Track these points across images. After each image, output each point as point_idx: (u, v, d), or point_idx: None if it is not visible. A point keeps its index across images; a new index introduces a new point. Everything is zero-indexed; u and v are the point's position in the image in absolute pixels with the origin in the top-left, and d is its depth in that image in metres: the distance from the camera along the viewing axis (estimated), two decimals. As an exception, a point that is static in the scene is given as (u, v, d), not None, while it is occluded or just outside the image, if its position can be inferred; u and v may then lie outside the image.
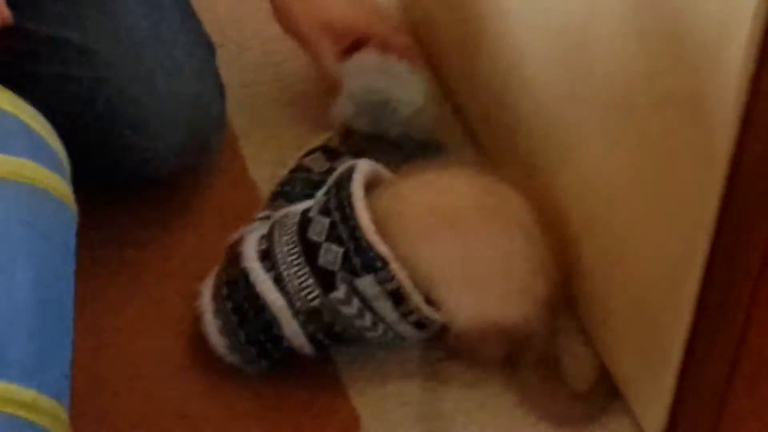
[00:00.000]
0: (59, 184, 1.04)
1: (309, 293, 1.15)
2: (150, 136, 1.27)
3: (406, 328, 1.17)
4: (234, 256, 1.20)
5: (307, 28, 1.34)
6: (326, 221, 1.16)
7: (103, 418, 1.18)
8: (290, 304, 1.16)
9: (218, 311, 1.19)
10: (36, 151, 1.03)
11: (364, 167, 1.19)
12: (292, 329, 1.16)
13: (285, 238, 1.18)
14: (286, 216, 1.20)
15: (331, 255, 1.15)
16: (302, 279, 1.15)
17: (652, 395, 1.15)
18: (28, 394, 0.92)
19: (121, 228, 1.34)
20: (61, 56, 1.25)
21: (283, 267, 1.16)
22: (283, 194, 1.28)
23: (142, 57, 1.26)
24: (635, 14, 1.02)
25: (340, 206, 1.16)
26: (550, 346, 1.19)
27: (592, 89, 1.12)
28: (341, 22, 1.34)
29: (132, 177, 1.31)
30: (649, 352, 1.14)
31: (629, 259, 1.14)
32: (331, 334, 1.17)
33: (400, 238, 1.15)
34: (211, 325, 1.19)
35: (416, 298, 1.14)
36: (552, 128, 1.22)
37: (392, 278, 1.13)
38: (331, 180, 1.20)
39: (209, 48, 1.36)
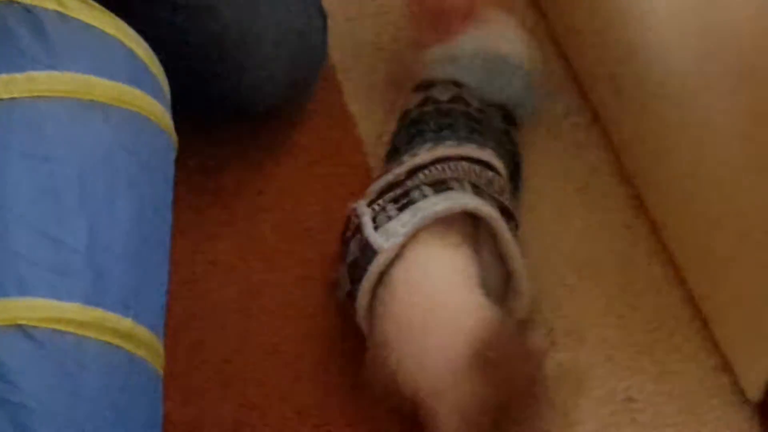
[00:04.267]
0: (160, 112, 1.04)
1: None
2: (252, 66, 1.25)
3: None
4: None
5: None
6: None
7: (196, 350, 1.18)
8: None
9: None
10: (139, 77, 1.02)
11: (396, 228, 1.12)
12: None
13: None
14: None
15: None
16: None
17: (755, 354, 1.12)
18: (125, 323, 0.92)
19: (216, 159, 1.33)
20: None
21: None
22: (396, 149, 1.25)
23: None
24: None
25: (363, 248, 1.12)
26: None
27: (716, 50, 1.08)
28: None
29: (232, 108, 1.29)
30: (755, 310, 1.11)
31: (736, 223, 1.10)
32: None
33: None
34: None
35: None
36: (679, 94, 1.18)
37: None
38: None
39: (313, -22, 1.34)
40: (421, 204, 1.11)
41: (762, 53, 1.00)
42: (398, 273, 1.09)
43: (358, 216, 1.15)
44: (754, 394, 1.13)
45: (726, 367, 1.17)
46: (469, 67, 1.28)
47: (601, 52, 1.32)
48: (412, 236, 1.10)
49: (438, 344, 1.06)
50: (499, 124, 1.27)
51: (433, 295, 1.08)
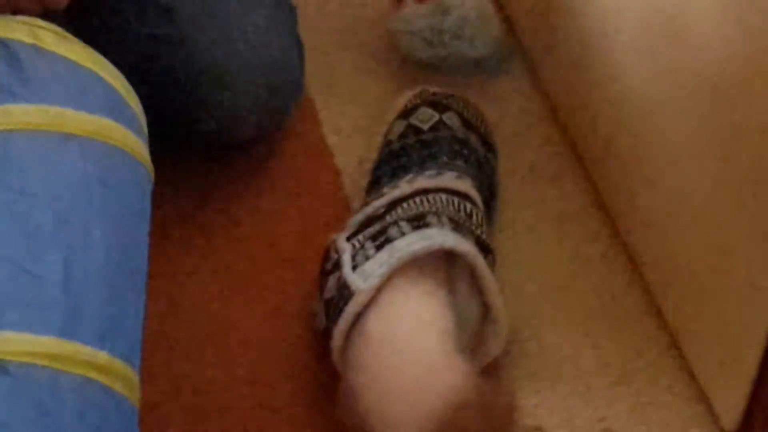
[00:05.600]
0: (136, 145, 1.04)
1: None
2: (229, 96, 1.25)
3: None
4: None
5: None
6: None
7: (173, 382, 1.17)
8: None
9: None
10: (115, 109, 1.02)
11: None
12: None
13: None
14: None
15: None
16: None
17: (731, 384, 1.12)
18: (101, 356, 0.92)
19: (193, 190, 1.33)
20: (143, 15, 1.24)
21: None
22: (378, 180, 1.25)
23: (223, 17, 1.25)
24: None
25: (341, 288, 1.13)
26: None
27: (680, 63, 1.09)
28: None
29: (209, 139, 1.30)
30: (730, 340, 1.11)
31: (712, 252, 1.11)
32: None
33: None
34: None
35: None
36: (631, 99, 1.19)
37: None
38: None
39: (291, 9, 1.34)
40: (397, 243, 1.12)
41: (728, 70, 1.02)
42: (372, 322, 1.10)
43: (338, 252, 1.15)
44: (730, 423, 1.14)
45: (702, 396, 1.17)
46: (438, 27, 1.33)
47: (576, 83, 1.33)
48: (389, 277, 1.10)
49: (406, 404, 1.05)
50: (480, 150, 1.27)
51: (404, 351, 1.08)
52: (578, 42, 1.30)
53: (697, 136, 1.09)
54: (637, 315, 1.24)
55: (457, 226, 1.15)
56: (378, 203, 1.19)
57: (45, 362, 0.87)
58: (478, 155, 1.26)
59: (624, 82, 1.21)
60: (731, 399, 1.13)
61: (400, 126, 1.28)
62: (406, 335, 1.09)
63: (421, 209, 1.16)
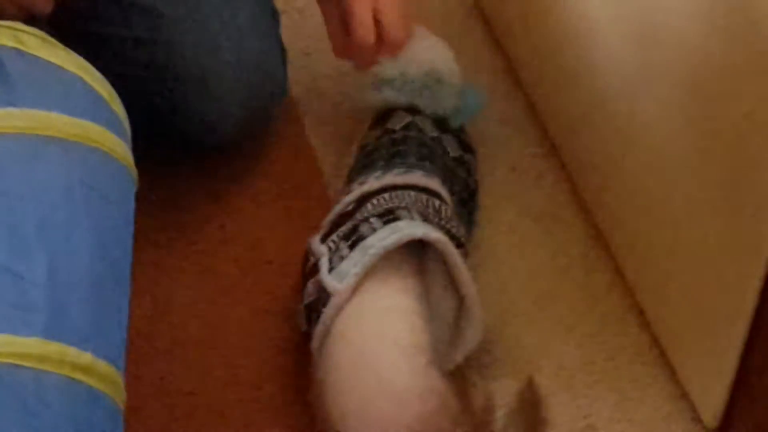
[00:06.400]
0: (120, 148, 1.04)
1: None
2: (212, 100, 1.26)
3: None
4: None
5: None
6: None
7: (158, 384, 1.18)
8: None
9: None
10: (98, 112, 1.03)
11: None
12: None
13: None
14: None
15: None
16: None
17: (711, 382, 1.13)
18: (85, 357, 0.92)
19: (177, 193, 1.33)
20: (126, 18, 1.24)
21: None
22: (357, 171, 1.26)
23: (206, 20, 1.25)
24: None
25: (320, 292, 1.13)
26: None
27: (661, 67, 1.10)
28: None
29: (192, 142, 1.30)
30: (710, 338, 1.12)
31: (691, 251, 1.12)
32: None
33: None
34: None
35: None
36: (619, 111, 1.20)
37: None
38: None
39: (274, 13, 1.34)
40: (369, 240, 1.12)
41: (709, 65, 1.02)
42: (343, 327, 1.10)
43: (314, 255, 1.16)
44: (711, 421, 1.14)
45: (684, 394, 1.18)
46: (400, 88, 1.29)
47: (555, 82, 1.34)
48: (365, 276, 1.11)
49: (375, 419, 1.07)
50: (455, 152, 1.28)
51: (372, 364, 1.09)
52: (556, 39, 1.31)
53: (678, 132, 1.10)
54: (619, 314, 1.25)
55: (426, 221, 1.16)
56: (347, 199, 1.20)
57: (29, 363, 0.87)
58: (451, 156, 1.27)
59: (605, 79, 1.22)
60: (712, 396, 1.13)
61: (377, 131, 1.29)
62: (373, 354, 1.10)
63: (390, 205, 1.17)
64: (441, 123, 1.29)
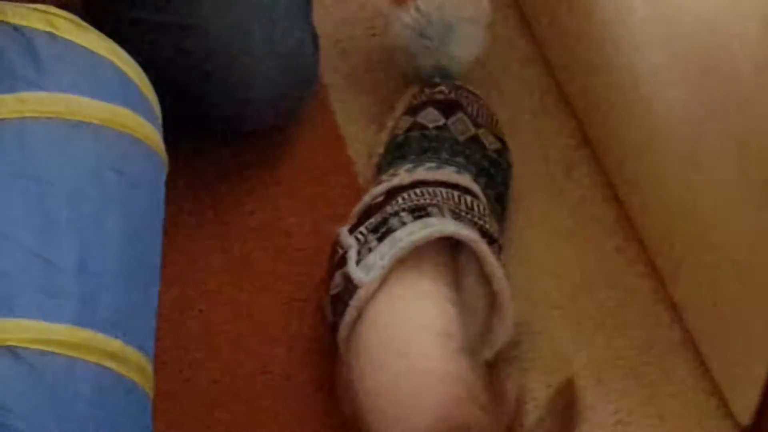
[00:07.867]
0: (150, 133, 1.04)
1: None
2: (244, 85, 1.25)
3: None
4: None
5: None
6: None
7: (185, 371, 1.18)
8: None
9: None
10: (129, 98, 1.03)
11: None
12: None
13: None
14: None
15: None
16: None
17: (745, 378, 1.12)
18: (115, 344, 0.92)
19: (207, 180, 1.33)
20: (158, 3, 1.24)
21: None
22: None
23: (239, 5, 1.24)
24: None
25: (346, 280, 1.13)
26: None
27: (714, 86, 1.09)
28: None
29: (224, 128, 1.30)
30: (744, 333, 1.11)
31: (726, 247, 1.11)
32: None
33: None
34: None
35: None
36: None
37: None
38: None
39: (307, 0, 1.34)
40: (398, 233, 1.12)
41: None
42: (372, 318, 1.10)
43: (342, 247, 1.15)
44: (744, 417, 1.13)
45: (716, 390, 1.17)
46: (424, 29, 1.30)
47: (590, 74, 1.33)
48: (393, 269, 1.10)
49: (403, 412, 1.05)
50: (492, 145, 1.27)
51: (402, 354, 1.08)
52: (592, 29, 1.30)
53: (716, 125, 1.09)
54: (651, 308, 1.24)
55: (458, 218, 1.15)
56: (376, 191, 1.19)
57: (59, 350, 0.88)
58: (489, 150, 1.26)
59: (641, 69, 1.21)
60: (745, 392, 1.12)
61: (406, 122, 1.28)
62: (404, 338, 1.09)
63: (421, 201, 1.16)
64: (475, 119, 1.28)
